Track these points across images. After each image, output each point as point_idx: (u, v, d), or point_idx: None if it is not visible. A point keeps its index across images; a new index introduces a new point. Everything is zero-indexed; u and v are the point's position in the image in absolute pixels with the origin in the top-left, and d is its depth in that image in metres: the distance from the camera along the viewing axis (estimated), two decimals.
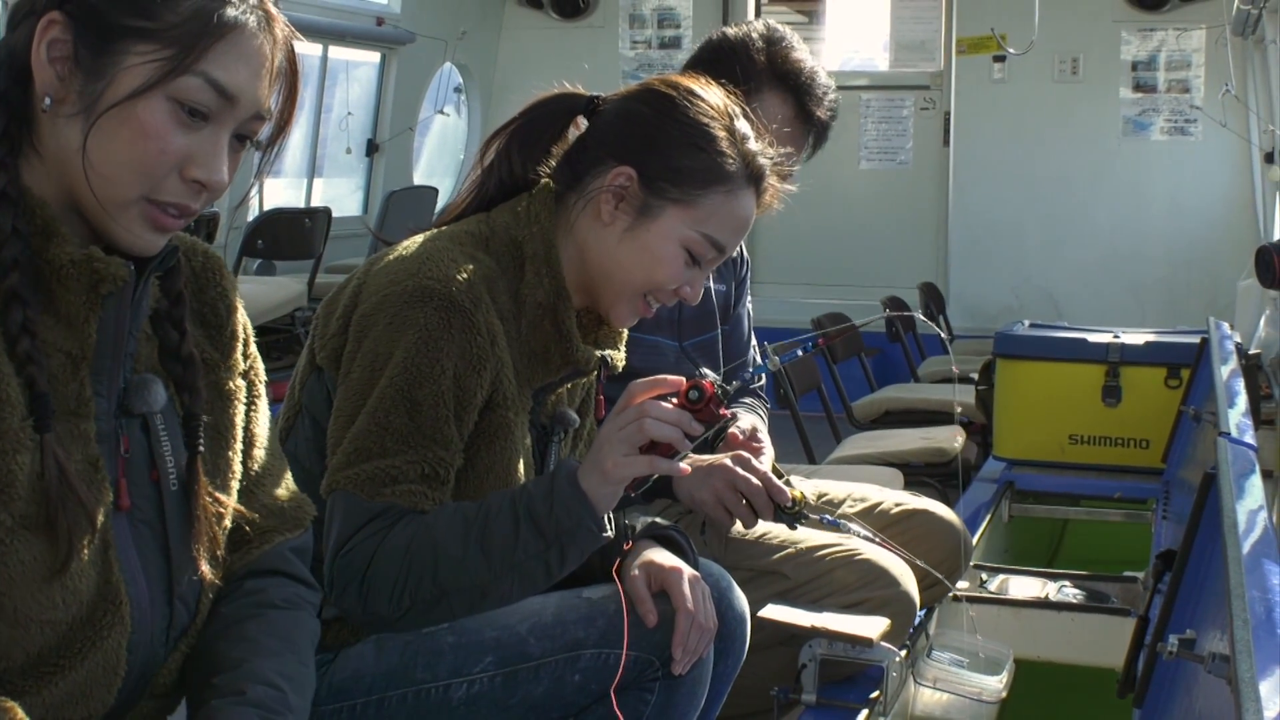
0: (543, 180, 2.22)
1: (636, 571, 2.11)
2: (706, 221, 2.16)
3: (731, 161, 2.17)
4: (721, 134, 2.18)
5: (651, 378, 2.00)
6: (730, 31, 3.00)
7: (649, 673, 2.06)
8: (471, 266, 2.09)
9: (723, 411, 1.96)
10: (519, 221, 2.19)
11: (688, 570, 2.10)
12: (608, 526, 1.98)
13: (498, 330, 2.09)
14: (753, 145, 2.21)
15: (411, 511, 1.99)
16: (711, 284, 3.11)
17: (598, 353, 2.19)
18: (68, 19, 1.45)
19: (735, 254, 3.21)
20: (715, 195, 2.16)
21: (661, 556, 2.14)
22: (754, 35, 2.96)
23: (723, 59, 2.82)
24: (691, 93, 2.21)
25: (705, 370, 2.00)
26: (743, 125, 2.22)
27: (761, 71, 2.89)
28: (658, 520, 2.24)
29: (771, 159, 2.24)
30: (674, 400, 1.94)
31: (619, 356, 2.26)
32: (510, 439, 2.10)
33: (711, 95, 2.22)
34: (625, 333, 2.30)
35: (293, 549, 1.82)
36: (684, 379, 1.96)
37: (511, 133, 2.29)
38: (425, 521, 1.99)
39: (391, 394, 2.01)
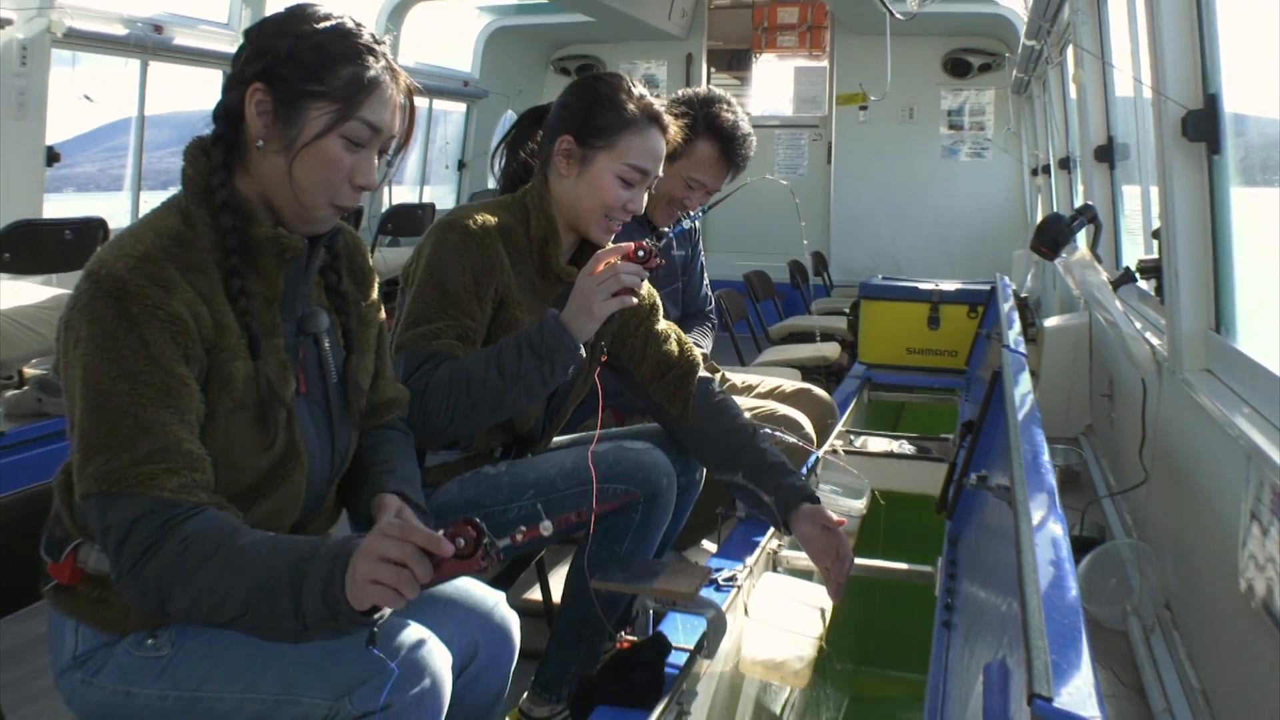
0: (534, 166, 2.28)
1: (819, 534, 2.18)
2: (626, 156, 2.16)
3: (633, 111, 2.17)
4: (622, 95, 2.18)
5: (610, 246, 2.07)
6: (683, 92, 2.99)
7: (632, 500, 2.12)
8: (488, 218, 2.14)
9: (655, 261, 2.00)
10: (526, 193, 2.22)
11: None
12: (582, 348, 2.01)
13: (504, 258, 2.12)
14: (647, 98, 2.21)
15: (450, 357, 2.04)
16: (674, 250, 3.17)
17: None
18: (267, 86, 1.50)
19: (691, 229, 3.22)
20: (627, 137, 2.16)
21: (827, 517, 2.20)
22: (698, 96, 2.96)
23: (681, 114, 2.63)
24: (597, 76, 2.25)
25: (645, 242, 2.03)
26: (638, 87, 2.22)
27: (699, 123, 2.87)
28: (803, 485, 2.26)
29: (664, 105, 2.26)
30: (620, 259, 1.98)
31: None
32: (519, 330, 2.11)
33: (612, 75, 2.24)
34: None
35: (399, 418, 1.91)
36: (630, 245, 2.00)
37: (510, 141, 2.40)
38: (459, 361, 2.03)
39: (432, 284, 2.08)
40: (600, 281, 1.96)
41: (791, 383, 3.43)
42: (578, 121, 2.18)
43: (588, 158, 2.17)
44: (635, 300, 1.99)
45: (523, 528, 1.33)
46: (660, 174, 2.26)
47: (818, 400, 3.37)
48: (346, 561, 1.32)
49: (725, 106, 2.93)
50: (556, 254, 2.19)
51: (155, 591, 1.38)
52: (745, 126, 2.93)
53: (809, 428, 3.08)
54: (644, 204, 2.22)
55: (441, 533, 1.31)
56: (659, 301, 2.41)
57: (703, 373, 2.36)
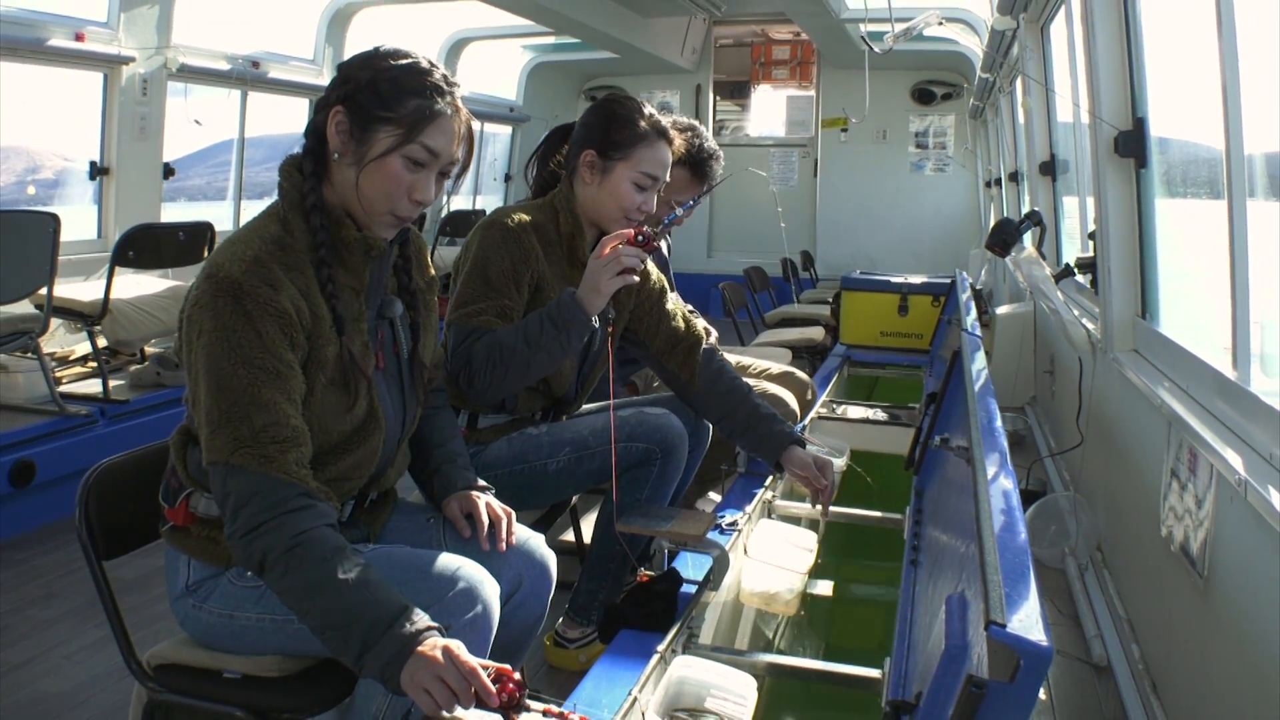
0: (562, 175, 2.25)
1: (809, 459, 2.23)
2: (640, 165, 2.14)
3: (644, 127, 2.15)
4: (635, 115, 2.16)
5: (614, 233, 1.97)
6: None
7: (651, 456, 2.11)
8: (524, 216, 2.12)
9: (653, 244, 1.94)
10: (555, 197, 2.20)
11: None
12: (594, 320, 1.98)
13: (539, 250, 2.11)
14: (656, 115, 2.19)
15: (489, 331, 2.03)
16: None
17: None
18: (346, 109, 1.49)
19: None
20: (640, 149, 2.14)
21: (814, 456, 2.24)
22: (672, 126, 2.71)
23: None
24: (613, 98, 2.22)
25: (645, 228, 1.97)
26: (648, 108, 2.20)
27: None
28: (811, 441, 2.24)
29: (671, 122, 2.19)
30: (621, 243, 1.93)
31: None
32: None
33: (625, 98, 2.21)
34: None
35: (439, 388, 1.90)
36: (631, 230, 1.94)
37: (540, 154, 2.38)
38: (496, 333, 2.02)
39: (476, 272, 2.07)
40: (605, 264, 1.92)
41: (778, 365, 3.40)
42: (599, 138, 2.16)
43: (608, 168, 2.15)
44: (636, 279, 1.95)
45: (555, 709, 1.30)
46: (668, 179, 2.22)
47: (800, 380, 3.36)
48: (413, 652, 1.29)
49: (693, 134, 2.75)
50: (583, 246, 2.18)
51: (258, 562, 1.38)
52: (710, 147, 2.74)
53: (793, 403, 3.06)
54: (655, 205, 2.19)
55: (492, 677, 1.28)
56: (667, 285, 2.37)
57: (707, 344, 2.35)
